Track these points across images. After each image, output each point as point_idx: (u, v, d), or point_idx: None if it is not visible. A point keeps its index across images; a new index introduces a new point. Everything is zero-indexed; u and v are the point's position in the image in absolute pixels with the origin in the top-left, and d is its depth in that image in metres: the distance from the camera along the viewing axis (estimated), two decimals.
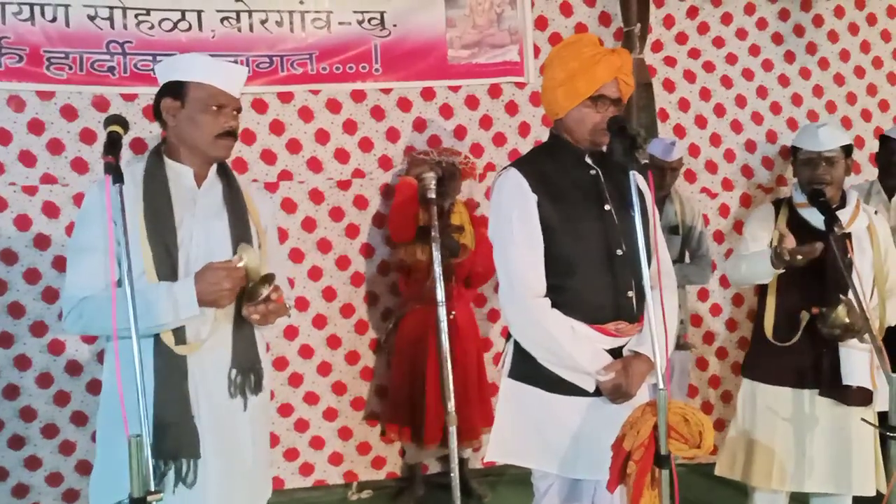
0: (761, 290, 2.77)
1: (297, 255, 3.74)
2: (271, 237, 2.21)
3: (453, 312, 3.51)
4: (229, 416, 2.01)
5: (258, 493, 2.16)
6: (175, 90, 2.00)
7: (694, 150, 4.17)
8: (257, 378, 2.06)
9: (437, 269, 2.97)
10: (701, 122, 4.18)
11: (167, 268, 1.92)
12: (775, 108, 4.27)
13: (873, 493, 2.57)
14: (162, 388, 1.90)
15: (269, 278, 1.93)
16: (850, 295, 2.39)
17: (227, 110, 2.02)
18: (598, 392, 2.11)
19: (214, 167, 2.09)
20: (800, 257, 2.44)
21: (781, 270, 2.52)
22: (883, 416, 2.29)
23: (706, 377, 4.25)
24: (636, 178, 2.09)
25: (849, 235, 2.60)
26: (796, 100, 4.29)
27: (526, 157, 2.32)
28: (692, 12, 4.15)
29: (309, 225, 3.76)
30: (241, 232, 2.05)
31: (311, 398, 3.80)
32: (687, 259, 3.79)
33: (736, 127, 4.23)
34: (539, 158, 2.24)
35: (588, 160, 2.19)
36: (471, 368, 3.62)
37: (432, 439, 3.51)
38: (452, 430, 2.95)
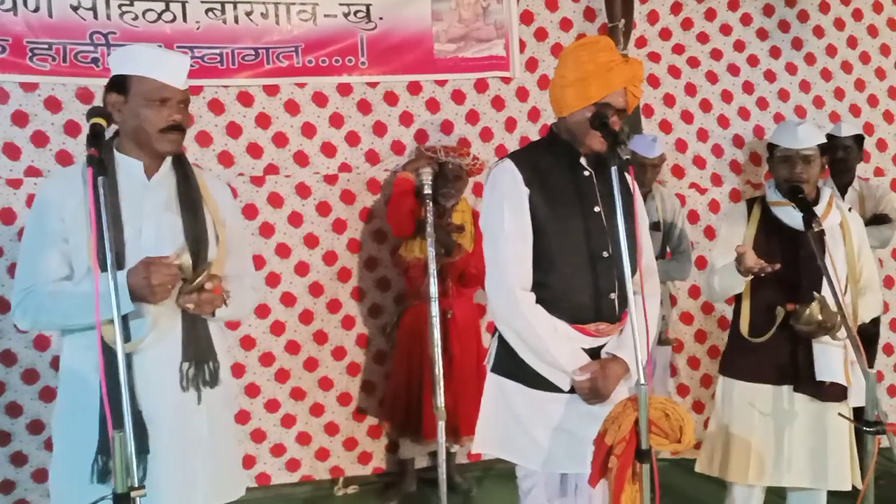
0: None
1: (283, 250, 3.72)
2: (232, 228, 2.17)
3: (451, 310, 3.52)
4: (182, 409, 1.99)
5: (224, 489, 2.10)
6: (119, 85, 1.97)
7: (681, 146, 4.18)
8: (212, 371, 2.03)
9: (431, 266, 2.96)
10: (687, 117, 4.19)
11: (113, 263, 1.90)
12: (762, 104, 4.28)
13: (849, 488, 2.59)
14: (107, 384, 1.85)
15: (205, 267, 1.92)
16: (825, 291, 2.40)
17: (172, 103, 1.97)
18: (573, 390, 2.12)
19: (169, 160, 2.05)
20: (758, 269, 2.43)
21: (752, 276, 2.52)
22: (859, 411, 2.31)
23: (698, 376, 4.25)
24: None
25: (822, 232, 2.60)
26: (783, 95, 4.30)
27: (522, 150, 2.33)
28: (676, 8, 4.16)
29: (295, 220, 3.74)
30: (194, 225, 2.02)
31: (297, 394, 3.79)
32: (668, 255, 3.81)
33: (723, 122, 4.24)
34: (536, 154, 2.24)
35: (583, 161, 2.20)
36: (470, 365, 3.60)
37: (431, 434, 3.48)
38: (441, 425, 2.95)
